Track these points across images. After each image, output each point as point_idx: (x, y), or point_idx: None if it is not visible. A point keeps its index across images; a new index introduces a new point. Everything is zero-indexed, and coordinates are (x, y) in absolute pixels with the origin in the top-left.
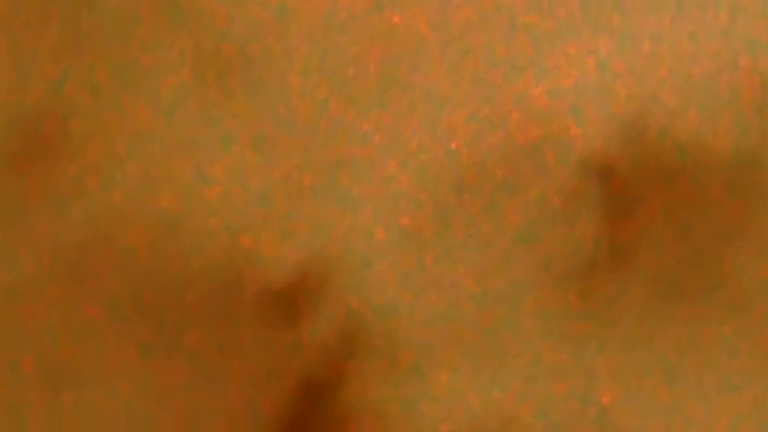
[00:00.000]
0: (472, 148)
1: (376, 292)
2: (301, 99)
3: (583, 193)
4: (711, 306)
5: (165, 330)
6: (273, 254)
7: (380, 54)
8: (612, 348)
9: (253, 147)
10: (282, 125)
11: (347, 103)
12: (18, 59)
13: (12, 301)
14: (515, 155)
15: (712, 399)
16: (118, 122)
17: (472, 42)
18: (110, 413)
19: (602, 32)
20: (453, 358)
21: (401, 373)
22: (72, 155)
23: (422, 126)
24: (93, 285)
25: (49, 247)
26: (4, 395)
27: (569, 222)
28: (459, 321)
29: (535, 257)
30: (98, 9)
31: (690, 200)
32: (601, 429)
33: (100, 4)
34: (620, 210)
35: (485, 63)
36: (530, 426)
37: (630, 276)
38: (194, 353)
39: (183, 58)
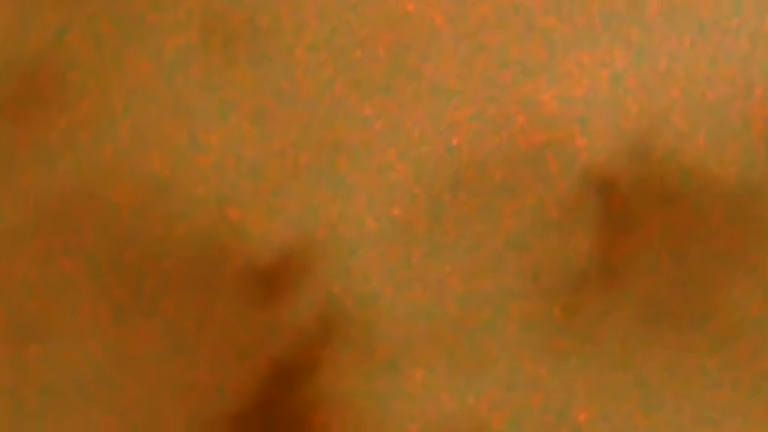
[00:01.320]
0: (474, 147)
1: (359, 280)
2: (306, 76)
3: (581, 206)
4: (698, 336)
5: (141, 294)
6: (260, 230)
7: (391, 40)
8: (593, 366)
9: (251, 118)
10: (284, 100)
11: (352, 85)
12: (21, 4)
13: None
14: (517, 158)
15: (688, 430)
16: (116, 78)
17: (486, 39)
18: (74, 371)
19: (620, 44)
20: (430, 357)
21: (376, 366)
22: (66, 106)
23: (425, 118)
24: (74, 240)
25: (33, 198)
26: None
27: (564, 233)
28: (441, 320)
29: (525, 265)
30: None
31: (689, 226)
32: None
33: None
34: (617, 227)
35: (496, 62)
36: None
37: (619, 296)
38: (168, 321)
39: (189, 19)
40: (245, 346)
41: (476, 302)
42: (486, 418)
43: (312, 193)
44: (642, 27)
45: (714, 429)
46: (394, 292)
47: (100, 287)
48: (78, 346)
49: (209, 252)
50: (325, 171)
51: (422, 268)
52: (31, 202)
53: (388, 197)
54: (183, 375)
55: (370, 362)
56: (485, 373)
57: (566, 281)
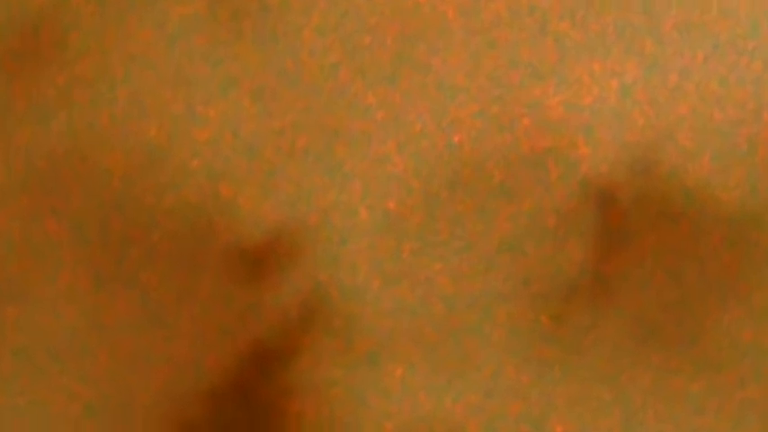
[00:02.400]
0: (475, 146)
1: (347, 271)
2: (311, 57)
3: (578, 215)
4: (685, 359)
5: (124, 264)
6: (251, 209)
7: (400, 29)
8: (576, 379)
9: (252, 95)
10: (286, 80)
11: (357, 71)
12: None
13: None
14: (517, 162)
15: None
16: (118, 42)
17: (497, 38)
18: (49, 336)
19: (632, 56)
20: (412, 355)
21: (356, 359)
22: (66, 65)
23: (428, 112)
24: (61, 202)
25: (24, 154)
26: None
27: (558, 241)
28: (426, 319)
29: (516, 270)
30: None
31: (686, 246)
32: None
33: None
34: (612, 240)
35: (505, 61)
36: None
37: (609, 310)
38: (148, 292)
39: None
40: (224, 325)
41: (463, 303)
42: (463, 422)
43: (307, 178)
44: (656, 40)
45: None
46: (381, 286)
47: (83, 252)
48: (55, 311)
49: (197, 227)
50: (321, 156)
51: (411, 264)
52: (21, 158)
53: (383, 189)
54: (158, 349)
55: (351, 354)
56: (465, 376)
57: (556, 289)
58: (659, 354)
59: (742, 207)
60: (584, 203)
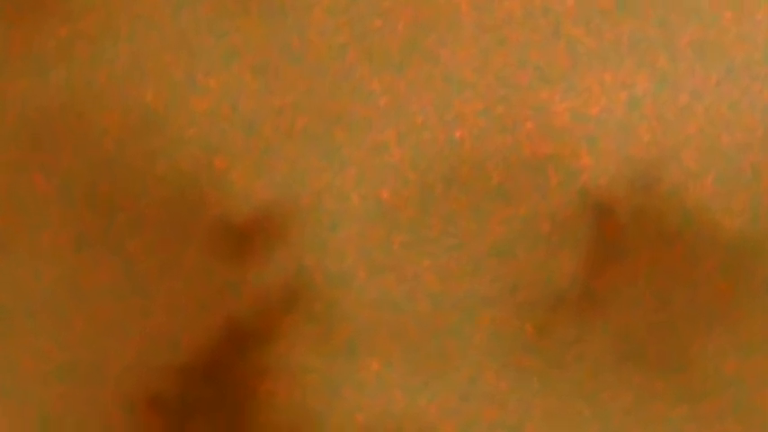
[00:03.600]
0: (476, 144)
1: (333, 257)
2: (319, 37)
3: (574, 225)
4: (668, 384)
5: (109, 228)
6: (243, 185)
7: (412, 16)
8: (554, 392)
9: (254, 70)
10: (291, 58)
11: (364, 55)
12: None
13: None
14: (518, 164)
15: None
16: (124, 1)
17: (509, 36)
18: (28, 293)
19: (644, 69)
20: (391, 350)
21: (333, 347)
22: (69, 18)
23: (432, 104)
24: (51, 158)
25: (19, 105)
26: None
27: (551, 250)
28: (409, 315)
29: (505, 275)
30: None
31: (679, 269)
32: None
33: None
34: (606, 254)
35: (515, 61)
36: None
37: (595, 325)
38: (131, 260)
39: None
40: (204, 299)
41: (448, 303)
42: (435, 423)
43: (302, 158)
44: (670, 56)
45: None
46: (367, 276)
47: (68, 212)
48: (35, 268)
49: (187, 197)
50: (319, 138)
51: (400, 257)
52: (16, 109)
53: (378, 177)
54: (135, 317)
55: (329, 342)
56: (443, 378)
57: (543, 299)
58: (641, 375)
59: (740, 235)
60: (581, 214)
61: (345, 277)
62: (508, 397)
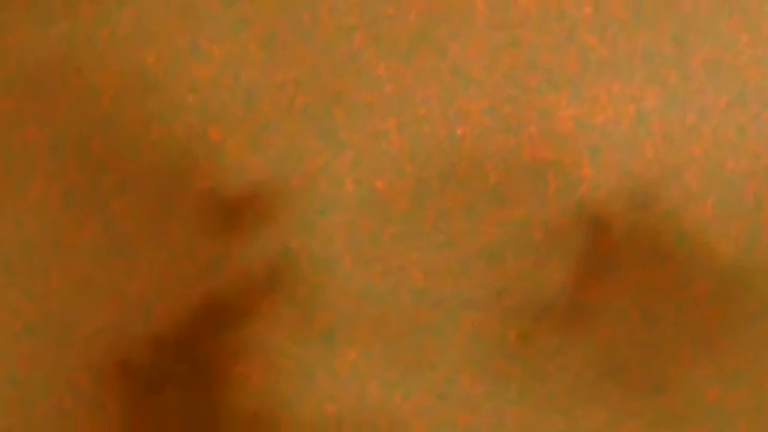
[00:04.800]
0: (477, 142)
1: (320, 242)
2: (329, 15)
3: (567, 235)
4: (645, 405)
5: (98, 187)
6: (236, 158)
7: (425, 6)
8: (531, 402)
9: (260, 42)
10: (299, 33)
11: (373, 40)
12: None
13: None
14: (517, 167)
15: None
16: None
17: (521, 36)
18: (6, 246)
19: (655, 85)
20: (369, 342)
21: (311, 333)
22: None
23: (437, 97)
24: (45, 111)
25: (17, 55)
26: None
27: (541, 257)
28: (390, 308)
29: (492, 278)
30: None
31: (669, 290)
32: None
33: None
34: (596, 267)
35: (525, 62)
36: None
37: (578, 339)
38: (115, 223)
39: None
40: (185, 271)
41: (431, 300)
42: (408, 421)
43: (299, 137)
44: (682, 74)
45: None
46: (352, 265)
47: (57, 168)
48: (17, 221)
49: (178, 165)
50: (319, 118)
51: (388, 249)
52: (14, 59)
53: (375, 165)
54: (113, 282)
55: (307, 328)
56: (419, 375)
57: (529, 306)
58: (620, 393)
59: (734, 262)
60: (576, 224)
61: (331, 263)
62: (483, 402)
